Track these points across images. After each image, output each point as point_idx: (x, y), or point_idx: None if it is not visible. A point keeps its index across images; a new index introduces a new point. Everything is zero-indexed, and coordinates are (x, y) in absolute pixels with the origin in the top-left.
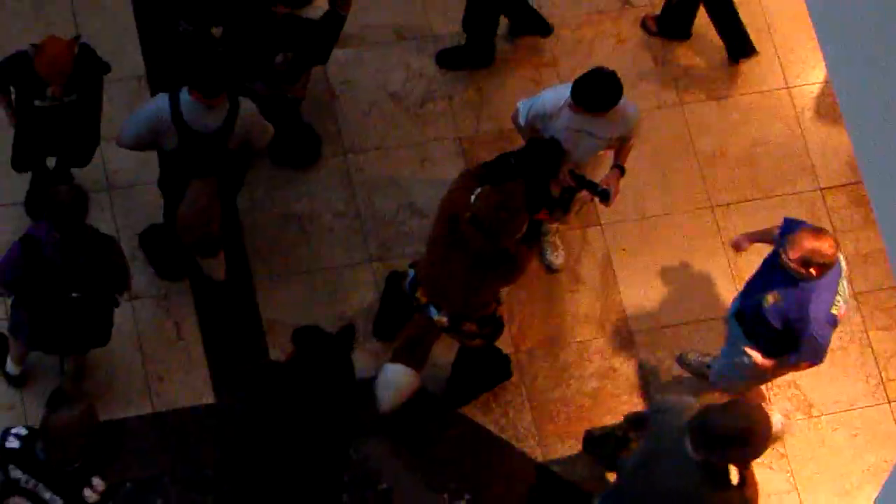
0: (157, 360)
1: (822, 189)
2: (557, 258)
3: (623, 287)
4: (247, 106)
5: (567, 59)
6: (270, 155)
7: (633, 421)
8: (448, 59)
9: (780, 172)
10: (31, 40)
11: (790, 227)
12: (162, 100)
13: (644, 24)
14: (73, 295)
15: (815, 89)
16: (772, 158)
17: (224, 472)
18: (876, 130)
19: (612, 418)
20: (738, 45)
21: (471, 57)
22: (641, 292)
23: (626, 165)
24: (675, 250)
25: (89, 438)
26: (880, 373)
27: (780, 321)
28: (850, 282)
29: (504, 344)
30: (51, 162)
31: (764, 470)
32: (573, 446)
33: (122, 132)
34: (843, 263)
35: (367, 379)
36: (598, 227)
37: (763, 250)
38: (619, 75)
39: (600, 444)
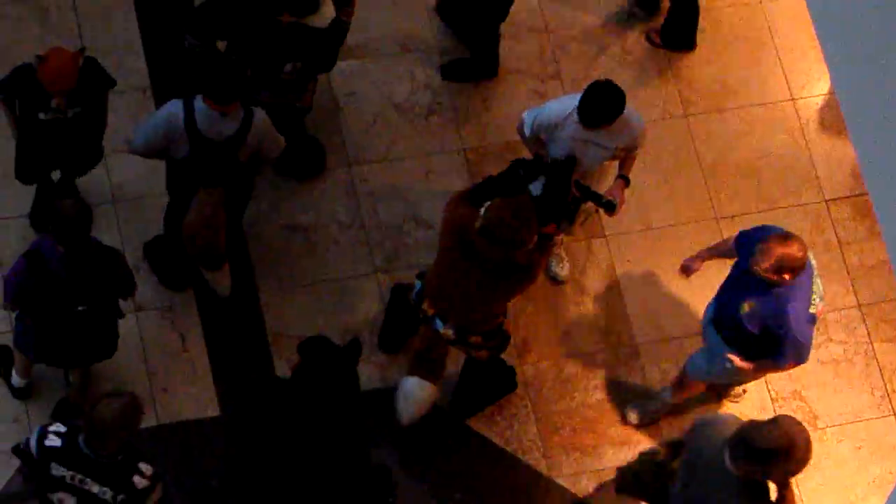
0: (162, 372)
1: (826, 201)
2: (562, 270)
3: (628, 298)
4: (260, 116)
5: (572, 71)
6: (275, 166)
7: (673, 445)
8: (453, 71)
9: (785, 184)
10: (36, 52)
11: (749, 238)
12: (175, 105)
13: (648, 37)
14: (79, 308)
15: (820, 101)
16: (776, 170)
17: (231, 487)
18: (876, 129)
19: (616, 430)
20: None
21: (475, 69)
22: (646, 304)
23: (631, 177)
24: (679, 262)
25: (132, 431)
26: (885, 385)
27: (758, 327)
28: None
29: (509, 356)
30: (56, 174)
31: None
32: (578, 458)
33: (134, 138)
34: (813, 261)
35: (371, 391)
36: (603, 239)
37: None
38: (623, 87)
39: (635, 484)
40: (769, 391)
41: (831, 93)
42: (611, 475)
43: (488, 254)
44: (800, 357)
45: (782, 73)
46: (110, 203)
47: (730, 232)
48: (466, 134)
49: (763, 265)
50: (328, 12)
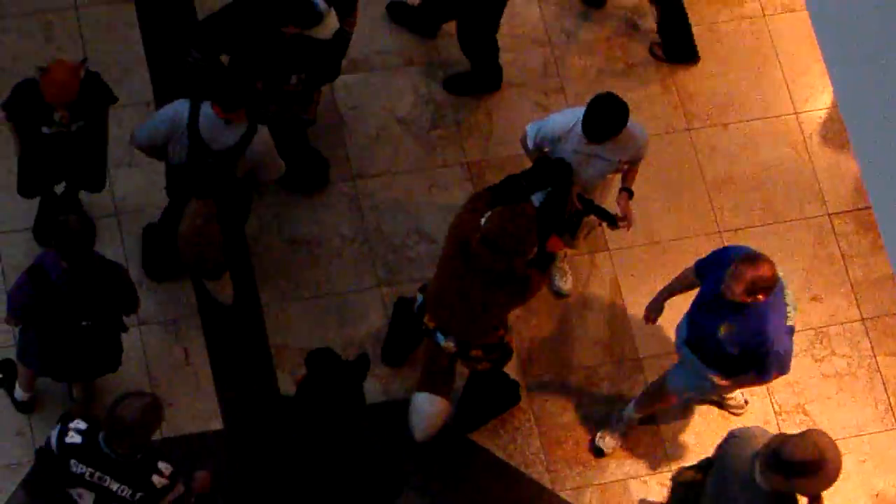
0: (165, 385)
1: (830, 214)
2: (566, 283)
3: (631, 312)
4: (263, 135)
5: (575, 84)
6: (279, 180)
7: (703, 466)
8: (456, 85)
9: (789, 198)
10: (38, 64)
11: (709, 262)
12: (182, 105)
13: (652, 51)
14: (83, 323)
15: (823, 114)
16: (780, 184)
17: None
18: (876, 129)
19: (620, 445)
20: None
21: (479, 82)
22: None
23: (635, 190)
24: None
25: (152, 431)
26: (889, 398)
27: (737, 348)
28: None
29: (512, 369)
30: (60, 187)
31: None
32: (581, 472)
33: (137, 131)
34: (779, 272)
35: (375, 404)
36: (607, 252)
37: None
38: (626, 100)
39: None
40: (773, 404)
41: (834, 106)
42: (613, 488)
43: (489, 263)
44: (783, 368)
45: (785, 87)
46: (113, 216)
47: None
48: (470, 147)
49: (737, 290)
50: (330, 24)
